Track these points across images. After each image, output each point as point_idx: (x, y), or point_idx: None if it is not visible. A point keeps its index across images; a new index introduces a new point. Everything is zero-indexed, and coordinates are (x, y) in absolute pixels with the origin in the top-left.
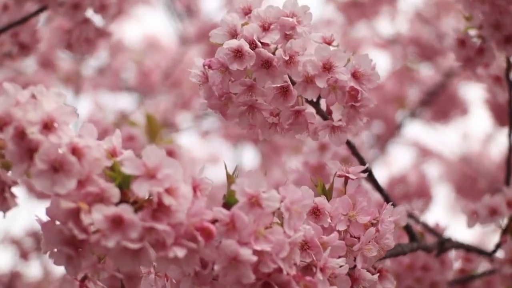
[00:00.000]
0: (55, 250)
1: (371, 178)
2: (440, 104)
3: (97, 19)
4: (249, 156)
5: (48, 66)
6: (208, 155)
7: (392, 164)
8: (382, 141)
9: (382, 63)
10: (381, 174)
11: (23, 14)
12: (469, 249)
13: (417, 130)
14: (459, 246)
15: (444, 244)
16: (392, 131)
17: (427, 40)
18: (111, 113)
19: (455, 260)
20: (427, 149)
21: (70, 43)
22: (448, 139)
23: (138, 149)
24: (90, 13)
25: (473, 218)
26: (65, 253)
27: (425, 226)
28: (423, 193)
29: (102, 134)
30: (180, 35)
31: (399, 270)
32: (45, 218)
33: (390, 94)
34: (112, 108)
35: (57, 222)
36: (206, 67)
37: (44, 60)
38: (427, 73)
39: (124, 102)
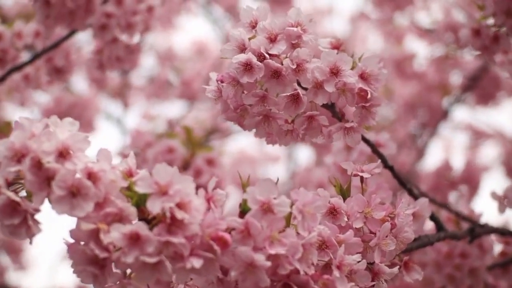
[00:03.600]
0: (82, 269)
1: (394, 174)
2: (483, 87)
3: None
4: (304, 154)
5: (98, 82)
6: (266, 155)
7: (448, 149)
8: (431, 127)
9: (422, 52)
10: (437, 160)
11: (55, 39)
12: (503, 233)
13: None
14: (491, 231)
15: (474, 230)
16: (438, 118)
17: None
18: (161, 122)
19: (496, 245)
20: (481, 131)
21: (101, 63)
22: (501, 121)
23: (178, 161)
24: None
25: (503, 202)
26: (90, 272)
27: (458, 214)
28: (470, 180)
29: (146, 147)
30: (223, 38)
31: (438, 259)
32: (70, 240)
33: (433, 82)
34: (161, 118)
35: (81, 243)
36: (219, 82)
37: (94, 77)
38: (468, 58)
39: (174, 110)
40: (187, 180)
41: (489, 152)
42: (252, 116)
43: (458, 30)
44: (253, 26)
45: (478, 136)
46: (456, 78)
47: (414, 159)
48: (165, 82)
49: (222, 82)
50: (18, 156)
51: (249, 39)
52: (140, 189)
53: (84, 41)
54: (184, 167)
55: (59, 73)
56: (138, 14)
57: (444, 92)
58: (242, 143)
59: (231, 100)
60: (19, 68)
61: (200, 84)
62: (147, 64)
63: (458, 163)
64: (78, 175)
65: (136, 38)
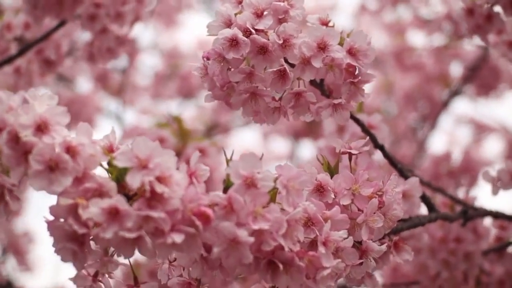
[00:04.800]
0: (61, 246)
1: (384, 154)
2: (483, 78)
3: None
4: (307, 150)
5: (101, 81)
6: (270, 153)
7: (451, 144)
8: (432, 120)
9: (421, 43)
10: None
11: (44, 30)
12: (497, 216)
13: (468, 109)
14: (485, 213)
15: (467, 213)
16: (439, 110)
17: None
18: (160, 119)
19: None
20: (484, 125)
21: (92, 54)
22: (504, 114)
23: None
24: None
25: (496, 184)
26: (70, 249)
27: (453, 198)
28: (469, 170)
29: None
30: None
31: (433, 244)
32: (50, 217)
33: (433, 74)
34: (160, 114)
35: (61, 220)
36: (205, 59)
37: (98, 75)
38: (468, 48)
39: (171, 107)
40: (168, 153)
41: (493, 146)
42: (238, 93)
43: (456, 20)
44: (240, 1)
45: (481, 130)
46: (456, 70)
47: (414, 152)
48: (164, 78)
49: (208, 59)
50: None
51: (235, 14)
52: (119, 163)
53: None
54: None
55: (50, 65)
56: (128, 3)
57: (444, 84)
58: (246, 140)
59: (217, 78)
60: (9, 60)
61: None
62: (151, 62)
63: (459, 156)
64: (56, 149)
65: (126, 29)
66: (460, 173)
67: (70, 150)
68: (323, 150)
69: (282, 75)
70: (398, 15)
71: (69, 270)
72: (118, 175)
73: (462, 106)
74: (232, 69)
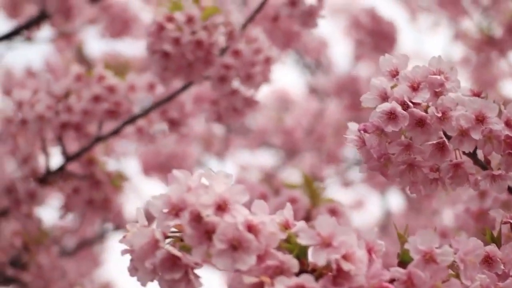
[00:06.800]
0: None
1: None
2: None
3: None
4: (395, 202)
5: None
6: (352, 202)
7: None
8: None
9: None
10: None
11: (169, 91)
12: None
13: None
14: None
15: None
16: None
17: None
18: (256, 172)
19: None
20: None
21: (219, 115)
22: None
23: (301, 211)
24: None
25: None
26: None
27: None
28: None
29: (261, 198)
30: (310, 88)
31: None
32: None
33: None
34: (256, 167)
35: None
36: (362, 131)
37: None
38: None
39: (266, 160)
40: (350, 231)
41: None
42: (396, 165)
43: None
44: (394, 74)
45: None
46: None
47: None
48: (261, 132)
49: (365, 131)
50: (176, 210)
51: (391, 87)
52: (302, 241)
53: None
54: (306, 217)
55: (174, 125)
56: (257, 65)
57: None
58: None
59: (374, 150)
60: (132, 120)
61: (301, 134)
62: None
63: None
64: (239, 228)
65: (254, 90)
66: None
67: (251, 228)
68: (461, 216)
69: (441, 147)
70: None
71: None
72: (299, 252)
73: None
74: (390, 141)
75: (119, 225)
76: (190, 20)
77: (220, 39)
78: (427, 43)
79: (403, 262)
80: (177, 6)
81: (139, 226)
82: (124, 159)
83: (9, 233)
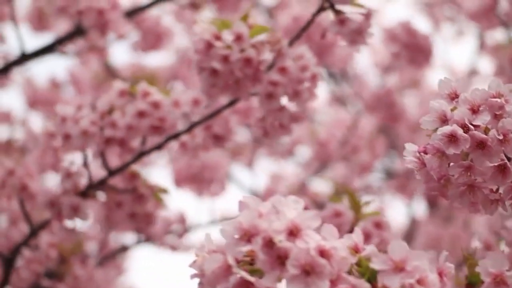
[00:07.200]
0: None
1: None
2: None
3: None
4: (420, 210)
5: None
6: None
7: None
8: None
9: None
10: None
11: (214, 107)
12: None
13: None
14: None
15: None
16: None
17: None
18: (286, 182)
19: None
20: None
21: (266, 130)
22: None
23: (346, 225)
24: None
25: None
26: None
27: None
28: None
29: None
30: (335, 97)
31: None
32: None
33: None
34: (286, 178)
35: None
36: (422, 153)
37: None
38: None
39: (293, 170)
40: (422, 255)
41: None
42: (456, 186)
43: None
44: (453, 97)
45: None
46: None
47: None
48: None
49: (425, 153)
50: (248, 236)
51: (451, 110)
52: (375, 265)
53: None
54: (351, 231)
55: (219, 140)
56: (304, 82)
57: None
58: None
59: (434, 171)
60: (176, 136)
61: (335, 145)
62: None
63: None
64: (311, 253)
65: (300, 107)
66: None
67: (324, 253)
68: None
69: (502, 169)
70: None
71: None
72: (370, 276)
73: None
74: (452, 164)
75: (149, 237)
76: (239, 38)
77: (268, 56)
78: (451, 53)
79: (471, 284)
80: (225, 24)
81: (208, 250)
82: (153, 170)
83: (45, 245)
